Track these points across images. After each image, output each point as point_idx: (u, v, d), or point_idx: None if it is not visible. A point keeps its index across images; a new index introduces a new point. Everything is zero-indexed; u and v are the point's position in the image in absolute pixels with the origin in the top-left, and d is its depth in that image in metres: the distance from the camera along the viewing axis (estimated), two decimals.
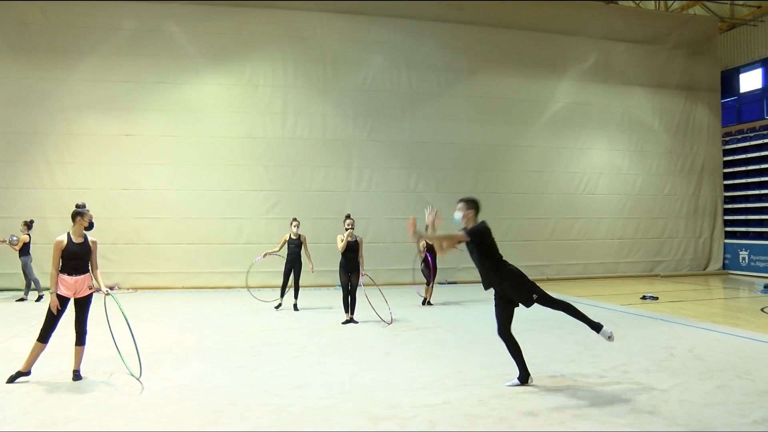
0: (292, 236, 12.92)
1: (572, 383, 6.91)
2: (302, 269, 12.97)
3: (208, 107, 17.46)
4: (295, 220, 13.12)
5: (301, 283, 13.12)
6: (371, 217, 17.69)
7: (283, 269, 13.09)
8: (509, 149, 19.54)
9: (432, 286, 13.86)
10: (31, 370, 7.02)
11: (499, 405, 6.06)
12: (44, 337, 6.93)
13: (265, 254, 13.25)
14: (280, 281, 13.22)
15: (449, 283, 17.54)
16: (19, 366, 7.01)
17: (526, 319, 11.54)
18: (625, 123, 20.88)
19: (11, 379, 6.87)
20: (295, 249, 12.86)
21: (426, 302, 13.74)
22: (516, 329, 10.41)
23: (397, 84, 18.64)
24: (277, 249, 13.16)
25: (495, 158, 19.34)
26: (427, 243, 13.41)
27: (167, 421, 5.60)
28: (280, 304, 12.96)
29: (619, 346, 8.90)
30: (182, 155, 17.17)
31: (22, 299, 14.27)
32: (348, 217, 11.44)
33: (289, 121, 17.83)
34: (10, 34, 16.55)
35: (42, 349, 6.99)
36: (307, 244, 13.03)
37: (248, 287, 14.14)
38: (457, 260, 14.47)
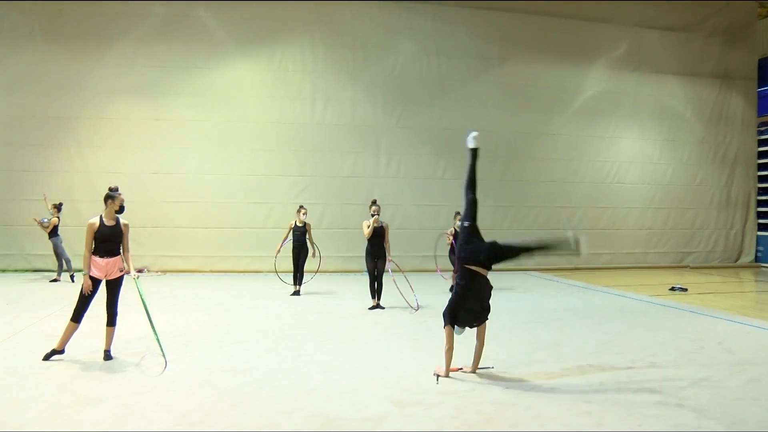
0: (298, 223, 12.90)
1: (600, 373, 6.85)
2: (308, 256, 13.02)
3: (237, 92, 17.55)
4: (302, 207, 13.06)
5: (305, 269, 13.13)
6: (399, 204, 17.70)
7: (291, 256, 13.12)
8: (538, 137, 19.39)
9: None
10: (65, 349, 7.18)
11: (525, 393, 6.06)
12: (77, 317, 7.08)
13: (278, 249, 13.26)
14: (312, 266, 13.34)
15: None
16: (54, 344, 7.17)
17: (555, 308, 11.57)
18: (657, 112, 20.58)
19: (47, 357, 7.04)
20: (300, 236, 12.86)
21: (453, 289, 13.67)
22: (545, 318, 10.43)
23: (426, 70, 18.57)
24: (284, 238, 13.11)
25: (524, 146, 19.20)
26: (454, 230, 13.42)
27: (197, 401, 5.67)
28: (296, 291, 12.95)
29: (647, 337, 8.85)
30: (211, 140, 17.30)
31: (55, 280, 14.53)
32: (374, 203, 11.50)
33: (318, 106, 17.86)
34: (45, 21, 16.77)
35: (75, 329, 7.13)
36: (311, 232, 13.05)
37: (277, 272, 14.19)
38: None
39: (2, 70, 16.62)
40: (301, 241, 12.83)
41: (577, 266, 19.04)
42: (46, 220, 14.42)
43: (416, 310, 11.03)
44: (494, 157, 18.77)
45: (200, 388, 6.09)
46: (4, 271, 16.31)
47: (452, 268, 13.88)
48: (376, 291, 11.29)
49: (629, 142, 20.35)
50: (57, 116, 16.73)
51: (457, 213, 13.71)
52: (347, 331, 9.15)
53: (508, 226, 18.59)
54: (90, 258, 7.07)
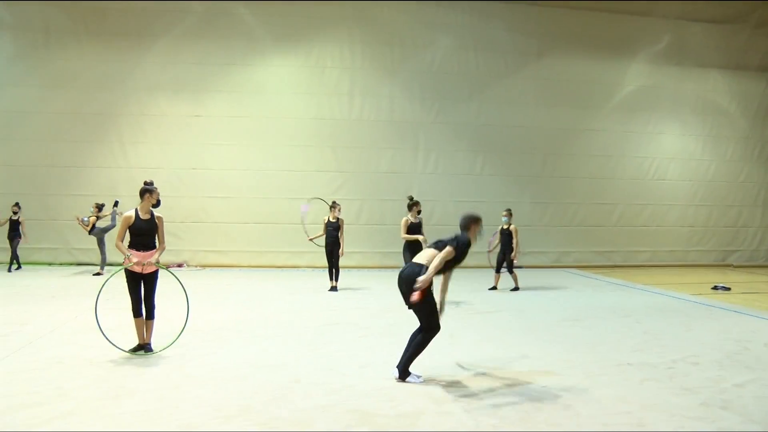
0: (331, 219, 12.85)
1: (639, 373, 6.73)
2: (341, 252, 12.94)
3: (275, 88, 17.68)
4: (336, 204, 13.02)
5: (340, 264, 13.08)
6: (437, 200, 17.64)
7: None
8: (577, 133, 19.15)
9: (500, 274, 13.65)
10: (151, 345, 7.37)
11: (564, 392, 5.99)
12: (136, 311, 7.21)
13: (311, 238, 13.21)
14: (349, 262, 13.33)
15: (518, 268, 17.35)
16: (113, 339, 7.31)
17: (593, 306, 11.43)
18: (699, 107, 20.14)
19: (134, 350, 7.23)
20: (332, 232, 12.80)
21: (516, 288, 13.52)
22: (582, 316, 10.30)
23: (464, 66, 18.46)
24: (320, 233, 13.05)
25: (562, 142, 18.99)
26: (501, 231, 13.30)
27: (234, 395, 5.73)
28: (333, 287, 12.91)
29: (688, 336, 8.70)
30: (250, 136, 17.46)
31: (98, 273, 14.83)
32: (410, 199, 11.47)
33: (356, 102, 17.89)
34: (89, 20, 17.13)
35: (141, 322, 7.27)
36: (344, 229, 12.94)
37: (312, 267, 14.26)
38: (522, 245, 14.23)
39: (49, 69, 17.03)
40: (333, 237, 12.79)
41: (615, 264, 18.80)
42: (86, 219, 14.74)
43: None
44: (532, 154, 18.63)
45: (236, 383, 6.14)
46: (50, 264, 16.72)
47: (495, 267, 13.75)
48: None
49: (670, 137, 19.97)
50: (100, 113, 17.06)
51: (507, 210, 13.53)
52: (384, 327, 9.16)
53: (546, 222, 18.44)
54: (123, 245, 7.16)
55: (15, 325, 8.79)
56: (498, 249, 13.66)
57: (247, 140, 17.46)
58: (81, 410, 5.27)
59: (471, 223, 6.90)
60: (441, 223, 17.29)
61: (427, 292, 6.22)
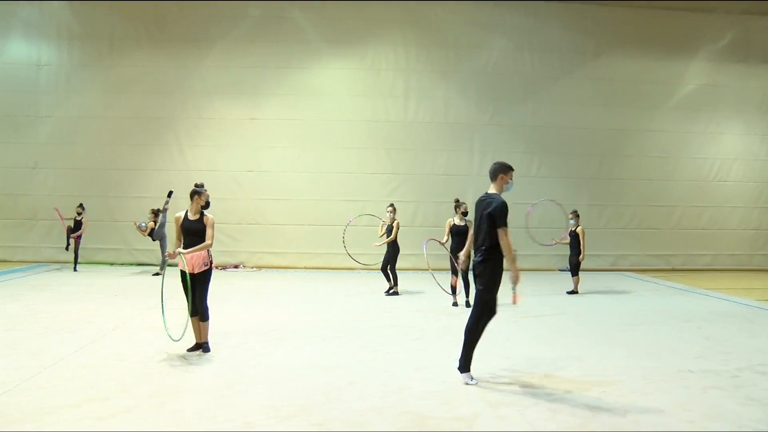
0: (387, 221, 12.75)
1: (702, 381, 6.54)
2: (398, 254, 12.76)
3: (330, 91, 17.83)
4: (390, 206, 12.88)
5: (397, 267, 12.90)
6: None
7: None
8: (634, 134, 18.76)
9: (574, 276, 13.40)
10: (208, 344, 7.50)
11: (622, 398, 5.86)
12: (191, 310, 7.33)
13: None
14: (405, 264, 13.27)
15: (561, 270, 17.10)
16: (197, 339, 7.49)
17: (653, 310, 11.19)
18: (765, 105, 19.47)
19: (192, 349, 7.37)
20: (389, 235, 12.65)
21: (574, 292, 13.27)
22: (641, 321, 10.09)
23: (519, 67, 18.30)
24: (380, 235, 12.92)
25: (620, 143, 18.63)
26: (569, 233, 13.15)
27: (289, 395, 5.79)
28: (389, 290, 12.80)
29: (753, 344, 8.43)
30: (305, 138, 17.64)
31: (157, 274, 15.17)
32: (456, 201, 11.50)
33: (411, 104, 17.91)
34: (150, 27, 17.67)
35: (195, 321, 7.39)
36: (398, 229, 12.67)
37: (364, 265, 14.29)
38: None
39: (112, 75, 17.63)
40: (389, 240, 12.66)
41: (675, 267, 18.36)
42: (144, 224, 15.07)
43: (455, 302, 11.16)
44: (588, 155, 18.36)
45: (292, 383, 6.21)
46: (112, 264, 17.21)
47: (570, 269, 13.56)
48: (462, 289, 11.21)
49: (732, 137, 19.37)
50: (159, 117, 17.51)
51: (573, 212, 13.34)
52: (439, 329, 9.13)
53: (603, 225, 18.12)
54: (177, 243, 7.35)
55: (80, 323, 9.08)
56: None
57: (302, 143, 17.65)
58: (142, 406, 5.40)
59: (500, 171, 6.90)
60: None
61: (491, 280, 6.42)
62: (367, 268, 14.53)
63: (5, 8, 17.68)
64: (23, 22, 17.76)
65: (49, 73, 17.72)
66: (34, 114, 17.60)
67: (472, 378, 6.29)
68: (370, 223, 15.23)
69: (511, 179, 6.77)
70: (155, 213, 15.20)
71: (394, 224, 12.63)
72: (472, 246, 6.74)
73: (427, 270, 12.15)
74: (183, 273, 7.23)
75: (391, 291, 12.74)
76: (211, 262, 7.43)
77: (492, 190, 6.78)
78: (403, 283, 13.44)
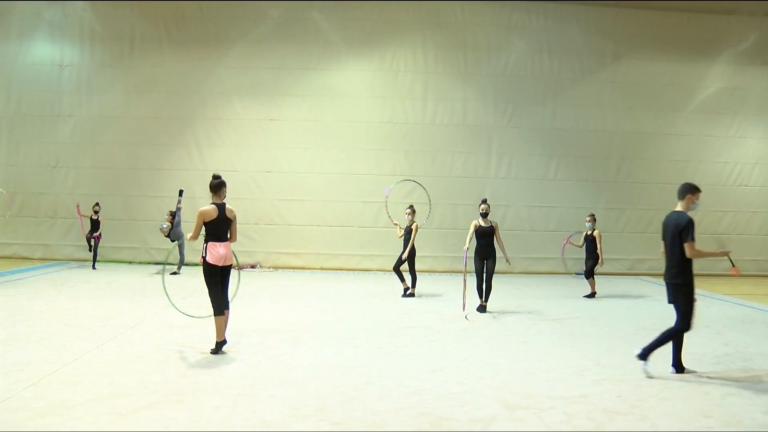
0: (407, 223, 12.67)
1: (721, 387, 6.50)
2: (416, 257, 12.68)
3: (349, 92, 17.87)
4: (409, 207, 12.83)
5: (417, 269, 12.83)
6: (510, 205, 17.49)
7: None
8: (654, 137, 18.61)
9: (588, 279, 13.28)
10: (226, 339, 7.49)
11: (641, 403, 5.84)
12: (218, 310, 7.33)
13: (398, 227, 12.93)
14: (421, 266, 13.22)
15: (578, 274, 17.01)
16: (217, 338, 7.46)
17: (670, 315, 11.00)
18: None
19: (215, 351, 7.34)
20: (407, 237, 12.57)
21: (592, 295, 13.18)
22: (658, 325, 9.98)
23: (538, 69, 18.24)
24: (399, 234, 12.83)
25: (638, 146, 18.49)
26: (585, 236, 13.05)
27: (308, 395, 5.83)
28: (406, 291, 12.76)
29: None
30: (324, 139, 17.69)
31: (175, 273, 15.28)
32: (484, 201, 11.34)
33: (429, 106, 17.91)
34: (170, 27, 17.82)
35: (223, 320, 7.38)
36: (416, 232, 12.58)
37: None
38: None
39: (134, 75, 17.80)
40: (406, 241, 12.60)
41: (694, 273, 18.14)
42: (165, 226, 15.18)
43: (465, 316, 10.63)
44: (607, 158, 18.25)
45: (311, 383, 6.24)
46: (130, 263, 17.34)
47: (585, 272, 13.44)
48: (484, 291, 11.04)
49: (754, 141, 19.16)
50: (179, 117, 17.64)
51: (591, 215, 13.27)
52: (456, 332, 9.14)
53: (621, 229, 18.01)
54: (195, 236, 7.39)
55: (101, 320, 9.20)
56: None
57: (321, 144, 17.70)
58: (163, 403, 5.47)
59: (688, 192, 7.07)
60: (514, 228, 17.19)
61: (689, 292, 6.91)
62: (382, 269, 14.53)
63: (31, 10, 17.96)
64: (48, 23, 17.99)
65: (72, 74, 17.93)
66: (57, 114, 17.82)
67: (646, 363, 6.79)
68: (387, 225, 15.20)
69: (698, 200, 7.09)
70: (172, 214, 15.30)
71: (413, 227, 12.55)
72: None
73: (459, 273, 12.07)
74: (214, 267, 7.26)
75: (408, 292, 12.72)
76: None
77: (679, 208, 7.14)
78: (420, 285, 13.43)
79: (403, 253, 12.53)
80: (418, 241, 12.74)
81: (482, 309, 10.96)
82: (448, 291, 13.48)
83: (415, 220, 12.67)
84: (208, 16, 17.79)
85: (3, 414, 5.11)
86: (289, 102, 17.77)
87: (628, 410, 5.63)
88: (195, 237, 7.40)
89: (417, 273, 12.91)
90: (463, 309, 10.68)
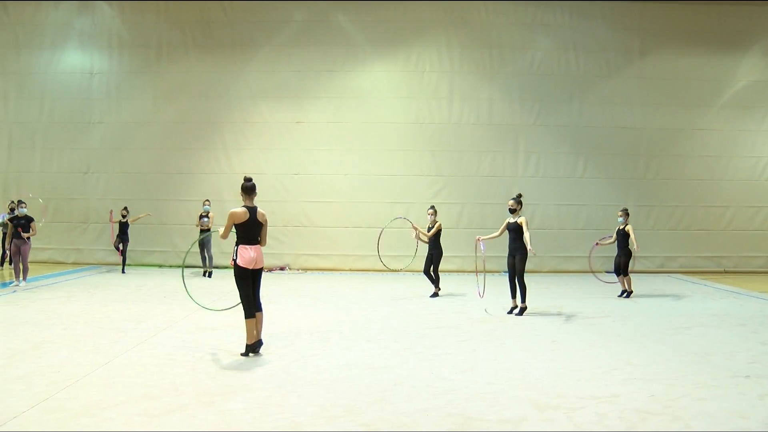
0: (429, 224, 12.62)
1: (758, 387, 6.33)
2: (442, 257, 12.59)
3: (375, 94, 17.92)
4: (431, 208, 12.75)
5: (440, 269, 12.75)
6: (538, 203, 17.36)
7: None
8: (684, 133, 18.34)
9: (626, 277, 12.96)
10: (262, 340, 7.53)
11: (673, 403, 5.73)
12: (249, 312, 7.34)
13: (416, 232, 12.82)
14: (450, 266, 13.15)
15: (608, 272, 16.82)
16: (247, 340, 7.46)
17: (703, 313, 10.97)
18: None
19: (246, 353, 7.36)
20: (432, 237, 12.46)
21: (625, 294, 12.92)
22: (690, 324, 9.88)
23: (564, 66, 18.10)
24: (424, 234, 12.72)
25: (668, 143, 18.25)
26: (617, 231, 12.81)
27: (337, 396, 5.84)
28: (435, 293, 12.71)
29: None
30: (350, 141, 17.76)
31: (208, 273, 15.47)
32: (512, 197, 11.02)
33: (455, 106, 17.87)
34: (196, 33, 18.04)
35: (254, 323, 7.38)
36: (437, 231, 12.44)
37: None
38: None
39: (162, 81, 18.07)
40: (431, 241, 12.51)
41: (726, 269, 17.93)
42: (206, 219, 15.32)
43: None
44: (635, 155, 18.05)
45: (340, 384, 6.26)
46: (160, 266, 17.56)
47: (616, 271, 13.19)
48: (517, 291, 10.67)
49: None
50: (206, 121, 17.83)
51: (623, 210, 12.99)
52: (485, 332, 9.10)
53: (651, 226, 17.79)
54: (225, 236, 7.41)
55: (132, 323, 9.32)
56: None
57: (347, 145, 17.77)
58: (193, 405, 5.52)
59: None
60: (542, 227, 17.08)
61: None
62: (408, 269, 14.50)
63: (63, 20, 18.36)
64: (78, 32, 18.34)
65: (101, 81, 18.23)
66: (87, 120, 18.13)
67: None
68: (403, 226, 15.14)
69: None
70: (201, 217, 15.43)
71: (435, 226, 12.47)
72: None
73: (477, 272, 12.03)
74: (245, 270, 7.29)
75: (432, 292, 12.69)
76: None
77: None
78: (448, 285, 13.41)
79: (430, 253, 12.48)
80: (444, 240, 12.70)
81: (512, 310, 10.68)
82: (476, 291, 13.38)
83: (437, 220, 12.58)
84: (233, 21, 17.95)
85: (41, 415, 5.21)
86: (315, 104, 17.86)
87: (661, 410, 5.53)
88: (225, 236, 7.42)
89: (442, 273, 12.85)
90: (480, 295, 11.23)
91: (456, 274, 15.69)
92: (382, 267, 16.99)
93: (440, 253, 12.55)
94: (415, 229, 12.74)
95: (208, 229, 15.03)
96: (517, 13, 18.02)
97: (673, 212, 18.08)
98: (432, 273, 12.65)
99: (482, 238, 11.23)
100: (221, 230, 7.55)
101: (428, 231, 12.53)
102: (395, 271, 14.04)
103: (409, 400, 5.75)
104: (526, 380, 6.42)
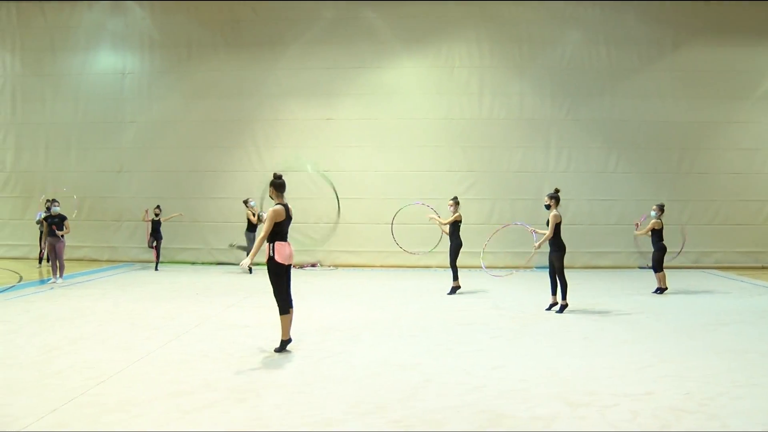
0: (450, 215, 12.43)
1: None
2: (459, 248, 12.36)
3: (405, 90, 17.88)
4: (452, 200, 12.57)
5: (458, 264, 12.61)
6: (570, 199, 17.10)
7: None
8: (719, 126, 17.98)
9: (660, 273, 12.66)
10: (291, 337, 7.55)
11: (709, 401, 5.62)
12: (284, 309, 7.37)
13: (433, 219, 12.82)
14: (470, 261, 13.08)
15: (641, 268, 16.59)
16: (281, 335, 7.50)
17: (738, 309, 10.76)
18: None
19: (280, 349, 7.39)
20: (452, 229, 12.32)
21: (659, 290, 12.63)
22: (726, 320, 9.68)
23: (595, 60, 17.87)
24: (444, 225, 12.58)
25: (702, 136, 17.91)
26: (653, 228, 12.55)
27: (368, 393, 5.84)
28: (455, 287, 12.53)
29: None
30: (380, 137, 17.75)
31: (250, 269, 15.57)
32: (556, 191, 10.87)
33: (485, 101, 17.76)
34: (225, 32, 18.20)
35: (289, 318, 7.43)
36: (454, 222, 12.26)
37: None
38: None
39: (191, 80, 18.25)
40: (451, 234, 12.35)
41: (764, 265, 17.57)
42: (262, 214, 15.43)
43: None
44: (669, 150, 17.75)
45: (370, 380, 6.26)
46: (193, 263, 17.74)
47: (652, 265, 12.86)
48: (557, 287, 10.45)
49: None
50: (236, 119, 17.96)
51: (657, 205, 12.71)
52: (516, 328, 9.03)
53: (685, 221, 17.44)
54: (262, 241, 7.28)
55: (165, 319, 9.42)
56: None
57: (378, 142, 17.77)
58: (226, 401, 5.57)
59: None
60: (574, 222, 16.87)
61: None
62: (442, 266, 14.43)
63: (96, 22, 18.73)
64: (111, 34, 18.65)
65: (133, 81, 18.49)
66: (120, 120, 18.40)
67: None
68: (421, 220, 14.99)
69: None
70: (258, 216, 15.36)
71: (453, 216, 12.29)
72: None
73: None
74: (282, 266, 7.31)
75: (452, 287, 12.50)
76: None
77: None
78: (479, 281, 13.34)
79: (451, 246, 12.34)
80: (475, 236, 12.61)
81: (551, 306, 10.49)
82: (507, 287, 13.34)
83: (458, 211, 12.41)
84: (262, 19, 18.06)
85: (77, 409, 5.31)
86: (345, 101, 17.89)
87: (696, 408, 5.43)
88: (267, 235, 7.29)
89: (471, 270, 12.71)
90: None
91: (487, 270, 15.55)
92: (413, 263, 17.10)
93: (457, 245, 12.33)
94: (434, 213, 12.73)
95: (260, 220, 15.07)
96: (547, 7, 17.83)
97: (708, 207, 17.75)
98: (450, 265, 12.50)
99: (535, 230, 11.06)
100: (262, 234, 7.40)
101: (454, 223, 12.33)
102: (412, 253, 13.93)
103: (440, 397, 5.73)
104: (558, 377, 6.36)
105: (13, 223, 18.74)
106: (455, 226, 12.34)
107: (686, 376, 6.42)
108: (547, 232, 10.42)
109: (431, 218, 12.86)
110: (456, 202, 12.53)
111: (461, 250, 12.45)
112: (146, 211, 16.43)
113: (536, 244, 10.49)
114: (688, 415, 5.28)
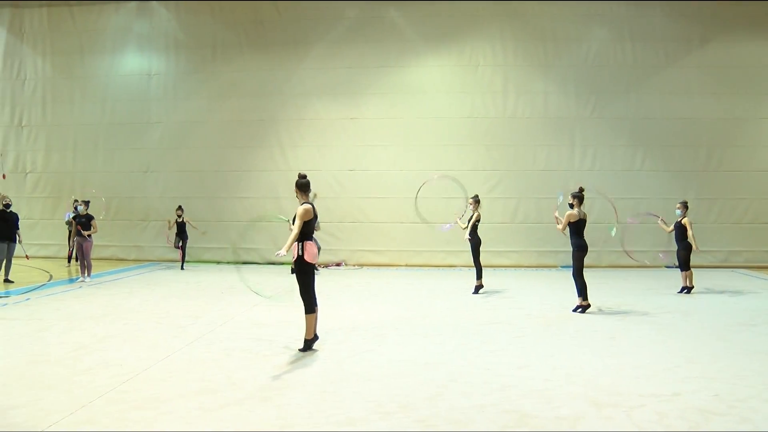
0: (470, 214, 12.31)
1: None
2: (479, 245, 12.24)
3: (429, 89, 17.85)
4: (472, 198, 12.43)
5: (497, 264, 12.42)
6: (596, 197, 16.93)
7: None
8: (748, 123, 17.70)
9: (687, 272, 12.46)
10: (318, 334, 7.59)
11: (739, 403, 5.52)
12: (311, 308, 7.40)
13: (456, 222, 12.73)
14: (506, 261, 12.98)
15: (668, 267, 16.38)
16: (306, 335, 7.52)
17: (766, 309, 10.56)
18: None
19: (305, 348, 7.40)
20: (472, 228, 12.18)
21: (686, 290, 12.43)
22: (757, 321, 9.53)
23: (621, 58, 17.69)
24: (463, 228, 12.46)
25: (731, 133, 17.63)
26: (675, 224, 12.36)
27: (392, 392, 5.84)
28: (478, 286, 12.42)
29: None
30: (405, 137, 17.74)
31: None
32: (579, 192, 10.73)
33: (510, 100, 17.68)
34: (250, 32, 18.34)
35: (315, 318, 7.48)
36: (475, 221, 12.16)
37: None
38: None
39: (216, 81, 18.40)
40: (472, 232, 12.24)
41: None
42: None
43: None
44: (696, 147, 17.51)
45: (395, 380, 6.26)
46: (218, 262, 17.87)
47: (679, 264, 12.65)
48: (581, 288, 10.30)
49: None
50: (261, 119, 18.07)
51: (681, 203, 12.53)
52: (541, 328, 8.99)
53: (713, 220, 17.25)
54: (295, 239, 7.26)
55: (191, 318, 9.51)
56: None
57: (402, 141, 17.76)
58: (250, 399, 5.61)
59: None
60: (599, 221, 16.67)
61: None
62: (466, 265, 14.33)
63: (123, 25, 19.01)
64: (137, 36, 18.90)
65: (159, 82, 18.70)
66: (146, 121, 18.62)
67: None
68: (446, 194, 14.85)
69: None
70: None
71: (474, 215, 12.20)
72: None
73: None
74: (310, 265, 7.36)
75: (475, 285, 12.43)
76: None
77: None
78: (504, 280, 13.27)
79: (471, 244, 12.23)
80: (500, 235, 12.52)
81: (577, 308, 10.22)
82: (531, 286, 13.26)
83: (478, 210, 12.32)
84: (285, 20, 18.16)
85: (105, 406, 5.41)
86: (369, 100, 17.91)
87: (726, 410, 5.34)
88: (298, 234, 7.27)
89: (495, 269, 12.60)
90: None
91: (513, 269, 15.52)
92: (438, 263, 17.04)
93: (477, 242, 12.22)
94: (459, 220, 12.61)
95: None
96: (572, 5, 17.68)
97: (737, 205, 17.49)
98: (473, 263, 12.42)
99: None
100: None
101: (468, 221, 12.25)
102: (430, 223, 13.66)
103: (465, 397, 5.72)
104: (584, 377, 6.31)
105: (43, 222, 19.05)
106: (474, 224, 12.23)
107: (714, 378, 6.34)
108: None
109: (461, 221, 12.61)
110: (476, 201, 12.40)
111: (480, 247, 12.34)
112: (168, 222, 16.56)
113: (559, 227, 10.38)
114: (717, 417, 5.20)
